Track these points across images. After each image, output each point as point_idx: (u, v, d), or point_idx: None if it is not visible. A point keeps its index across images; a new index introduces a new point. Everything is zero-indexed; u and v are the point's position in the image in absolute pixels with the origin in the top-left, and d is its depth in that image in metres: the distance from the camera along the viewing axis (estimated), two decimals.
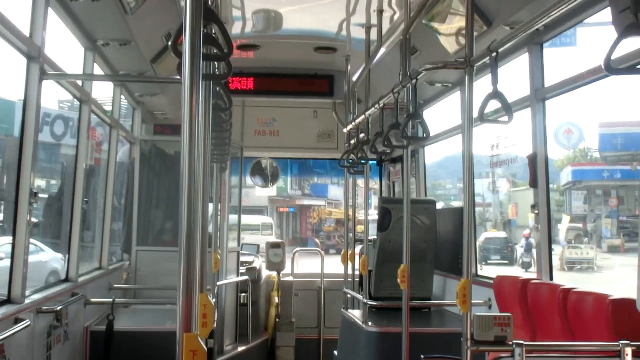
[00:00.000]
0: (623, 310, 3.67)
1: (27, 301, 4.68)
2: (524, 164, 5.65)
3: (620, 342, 3.37)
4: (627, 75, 2.96)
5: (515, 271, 25.68)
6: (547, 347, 3.76)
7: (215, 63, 4.10)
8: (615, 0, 3.30)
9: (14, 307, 4.45)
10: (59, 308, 5.19)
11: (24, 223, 4.60)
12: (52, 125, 13.66)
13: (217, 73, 4.14)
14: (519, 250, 28.13)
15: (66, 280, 6.06)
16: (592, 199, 30.37)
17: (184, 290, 2.30)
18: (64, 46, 6.05)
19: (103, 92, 8.00)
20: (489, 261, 26.92)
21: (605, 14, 4.08)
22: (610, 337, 3.59)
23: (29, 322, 4.46)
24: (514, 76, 6.20)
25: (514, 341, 3.40)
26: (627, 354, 3.33)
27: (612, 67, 2.79)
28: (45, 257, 11.74)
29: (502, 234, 30.22)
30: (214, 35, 3.21)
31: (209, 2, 3.26)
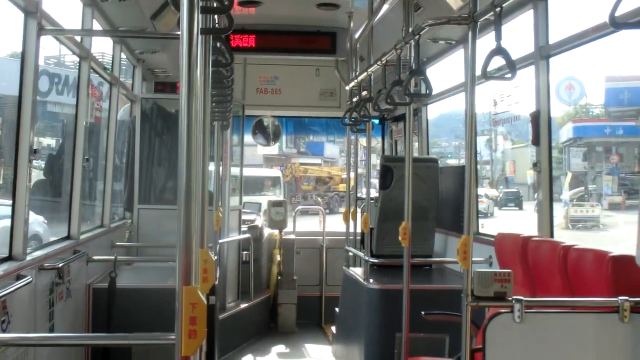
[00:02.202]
0: (623, 266, 3.67)
1: (28, 258, 4.70)
2: (524, 122, 5.63)
3: (619, 298, 3.39)
4: (633, 30, 2.91)
5: (526, 214, 27.80)
6: (547, 303, 3.77)
7: (216, 18, 4.06)
8: None
9: (15, 264, 4.47)
10: (60, 265, 5.22)
11: (24, 180, 4.59)
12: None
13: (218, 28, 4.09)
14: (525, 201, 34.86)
15: (68, 237, 6.08)
16: (592, 156, 30.27)
17: (183, 245, 2.29)
18: (63, 2, 5.99)
19: (104, 50, 7.97)
20: (504, 208, 34.94)
21: None
22: (610, 293, 3.60)
23: (31, 279, 4.48)
24: (518, 34, 6.13)
25: (514, 297, 3.42)
26: (625, 310, 3.34)
27: (617, 22, 2.75)
28: None
29: (514, 190, 37.32)
30: None
31: None
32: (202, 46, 3.31)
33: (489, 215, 30.03)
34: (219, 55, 4.21)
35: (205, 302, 2.33)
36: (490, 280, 3.45)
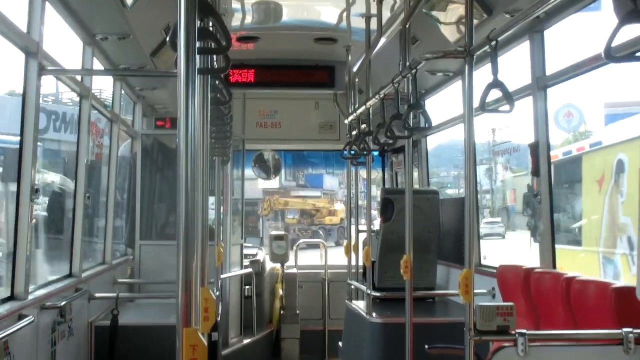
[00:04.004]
0: (626, 298, 3.65)
1: (30, 297, 4.69)
2: (523, 150, 5.63)
3: (623, 329, 3.37)
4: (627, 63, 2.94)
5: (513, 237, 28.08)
6: (550, 336, 3.75)
7: (215, 56, 4.09)
8: None
9: (17, 304, 4.46)
10: (62, 304, 5.20)
11: (26, 219, 4.60)
12: None
13: (216, 66, 4.12)
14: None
15: (70, 275, 6.07)
16: None
17: (183, 285, 2.29)
18: (63, 40, 6.04)
19: (104, 86, 8.01)
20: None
21: None
22: (613, 325, 3.59)
23: (33, 319, 4.47)
24: (517, 62, 6.17)
25: (517, 330, 3.40)
26: (630, 342, 3.32)
27: (612, 55, 2.77)
28: None
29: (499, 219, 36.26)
30: (212, 28, 3.19)
31: None
32: (200, 85, 3.33)
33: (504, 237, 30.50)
34: (217, 93, 4.23)
35: (206, 343, 2.32)
36: (492, 314, 3.43)
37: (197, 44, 2.42)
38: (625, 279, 10.90)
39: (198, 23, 2.53)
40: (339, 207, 37.08)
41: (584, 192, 12.83)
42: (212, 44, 2.86)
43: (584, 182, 12.76)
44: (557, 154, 13.50)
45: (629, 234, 10.97)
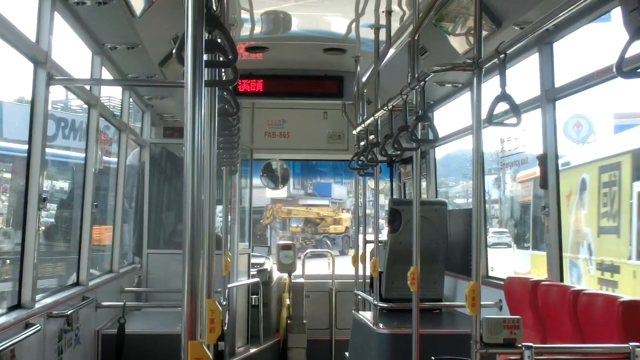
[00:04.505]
0: (633, 311, 3.64)
1: (37, 306, 4.69)
2: (532, 161, 5.61)
3: (631, 343, 3.35)
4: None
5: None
6: (557, 350, 3.74)
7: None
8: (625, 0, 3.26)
9: (24, 312, 4.47)
10: (69, 312, 5.21)
11: (33, 228, 4.61)
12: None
13: (224, 78, 4.13)
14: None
15: (77, 284, 6.07)
16: None
17: (189, 296, 2.29)
18: (73, 48, 6.06)
19: (113, 93, 8.02)
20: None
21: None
22: (621, 338, 3.56)
23: (40, 327, 4.48)
24: (525, 73, 6.14)
25: (524, 344, 3.38)
26: (637, 356, 3.31)
27: (623, 70, 2.76)
28: None
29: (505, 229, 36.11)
30: (219, 40, 3.20)
31: (214, 7, 3.25)
32: (207, 96, 3.34)
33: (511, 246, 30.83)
34: (225, 104, 4.24)
35: (212, 353, 2.32)
36: (499, 326, 3.42)
37: (205, 57, 2.42)
38: (585, 280, 12.09)
39: (206, 35, 2.54)
40: (345, 215, 36.89)
41: None
42: (219, 57, 2.86)
43: None
44: (534, 171, 14.40)
45: (588, 241, 12.41)
